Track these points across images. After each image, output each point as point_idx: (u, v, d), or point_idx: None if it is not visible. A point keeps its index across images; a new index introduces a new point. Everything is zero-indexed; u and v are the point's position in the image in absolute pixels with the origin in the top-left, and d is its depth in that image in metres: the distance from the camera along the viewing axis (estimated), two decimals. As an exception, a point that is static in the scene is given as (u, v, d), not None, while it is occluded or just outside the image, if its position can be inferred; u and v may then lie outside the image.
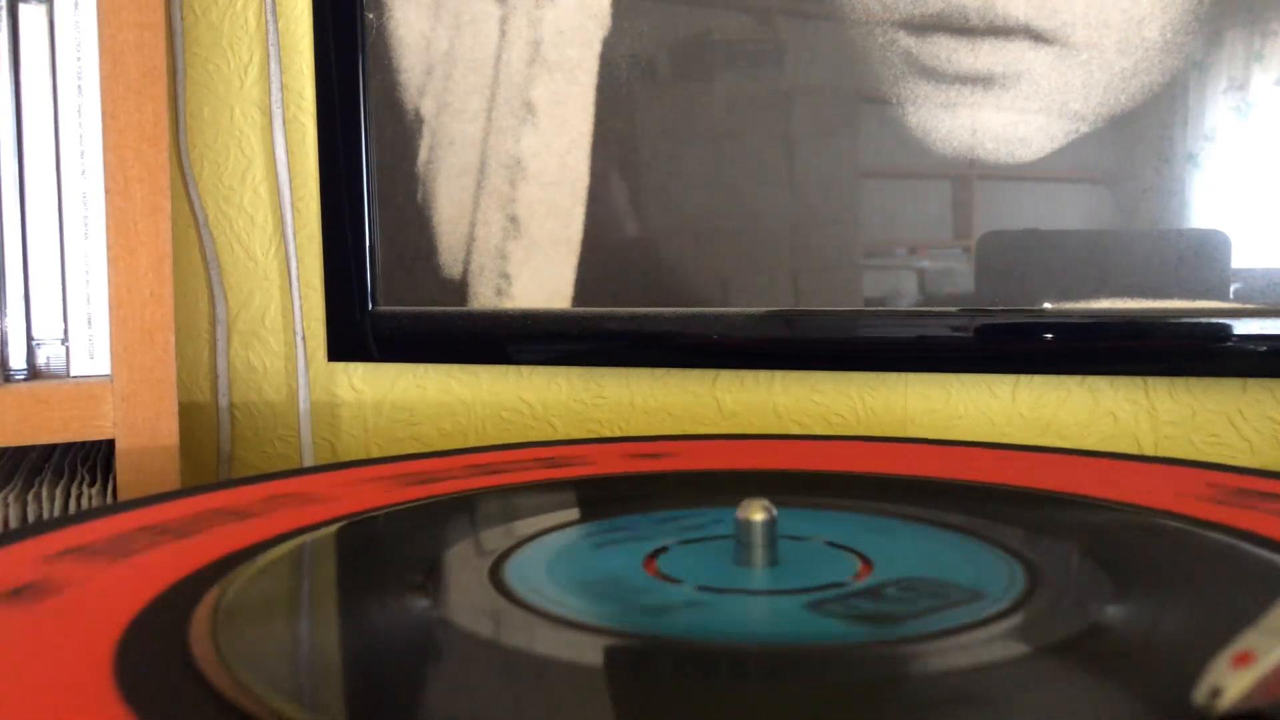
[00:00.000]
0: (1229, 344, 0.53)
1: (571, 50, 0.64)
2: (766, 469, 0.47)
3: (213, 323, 0.74)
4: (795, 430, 0.63)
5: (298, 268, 0.72)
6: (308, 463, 0.72)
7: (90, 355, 0.58)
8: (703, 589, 0.30)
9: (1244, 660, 0.20)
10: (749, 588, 0.30)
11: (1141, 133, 0.54)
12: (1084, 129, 0.55)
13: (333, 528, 0.38)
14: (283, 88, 0.71)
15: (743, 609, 0.28)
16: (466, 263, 0.67)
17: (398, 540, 0.36)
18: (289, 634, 0.27)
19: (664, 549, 0.34)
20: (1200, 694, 0.21)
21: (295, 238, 0.72)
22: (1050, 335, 0.56)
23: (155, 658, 0.25)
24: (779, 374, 0.63)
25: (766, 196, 0.60)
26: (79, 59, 0.57)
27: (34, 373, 0.57)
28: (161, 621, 0.28)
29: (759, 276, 0.61)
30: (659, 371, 0.66)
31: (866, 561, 0.33)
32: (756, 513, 0.33)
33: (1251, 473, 0.44)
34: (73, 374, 0.57)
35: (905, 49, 0.57)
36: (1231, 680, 0.20)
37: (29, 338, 0.57)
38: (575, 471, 0.47)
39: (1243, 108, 0.52)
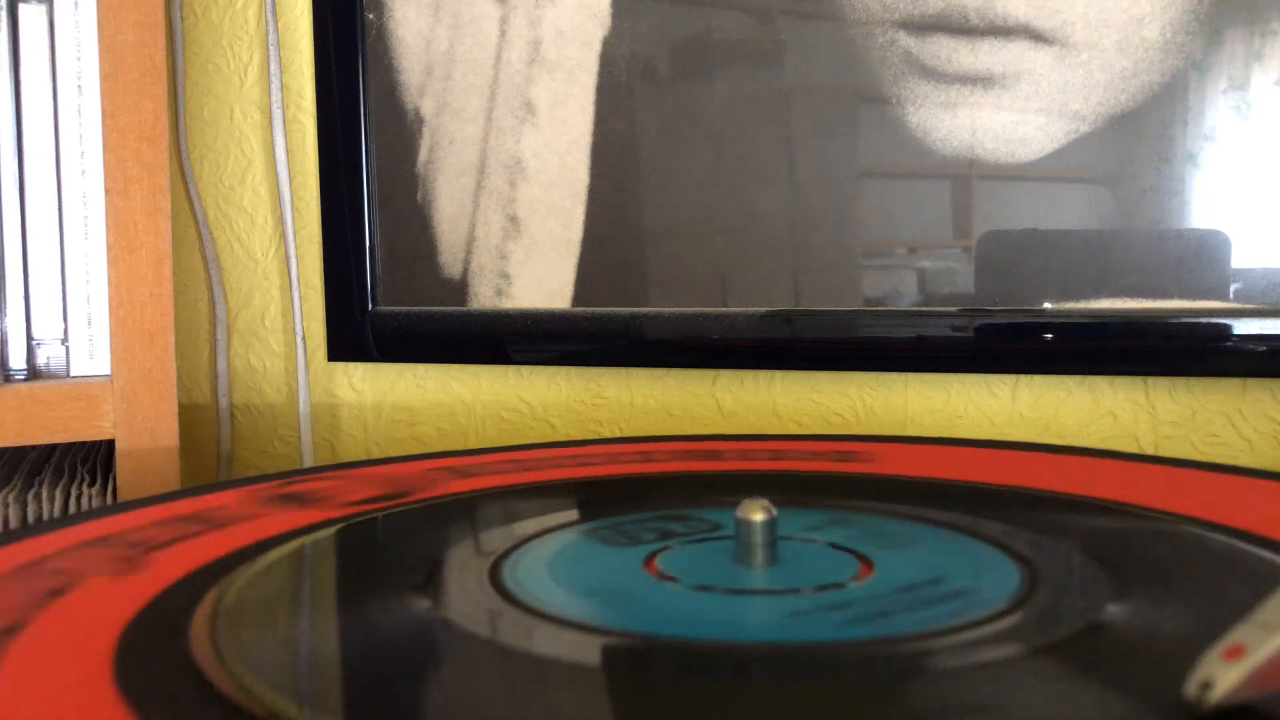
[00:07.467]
0: (1229, 344, 0.53)
1: (571, 50, 0.64)
2: (766, 469, 0.47)
3: (213, 323, 0.74)
4: (795, 430, 0.63)
5: (298, 268, 0.72)
6: (308, 463, 0.72)
7: (90, 355, 0.58)
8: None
9: (1235, 653, 0.20)
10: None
11: (1141, 133, 0.54)
12: (1084, 129, 0.55)
13: (333, 528, 0.38)
14: (283, 88, 0.71)
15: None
16: (466, 263, 0.67)
17: (398, 540, 0.36)
18: (289, 634, 0.27)
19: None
20: (1191, 687, 0.21)
21: (295, 238, 0.72)
22: (1050, 335, 0.56)
23: (155, 658, 0.25)
24: (779, 374, 0.63)
25: (766, 196, 0.60)
26: (79, 59, 0.57)
27: (34, 373, 0.57)
28: (161, 621, 0.28)
29: (759, 276, 0.61)
30: (659, 371, 0.66)
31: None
32: (756, 513, 0.33)
33: (1250, 473, 0.44)
34: (73, 374, 0.57)
35: (905, 49, 0.57)
36: (1222, 673, 0.20)
37: (29, 338, 0.57)
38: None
39: (1243, 108, 0.52)
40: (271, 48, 0.70)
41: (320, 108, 0.69)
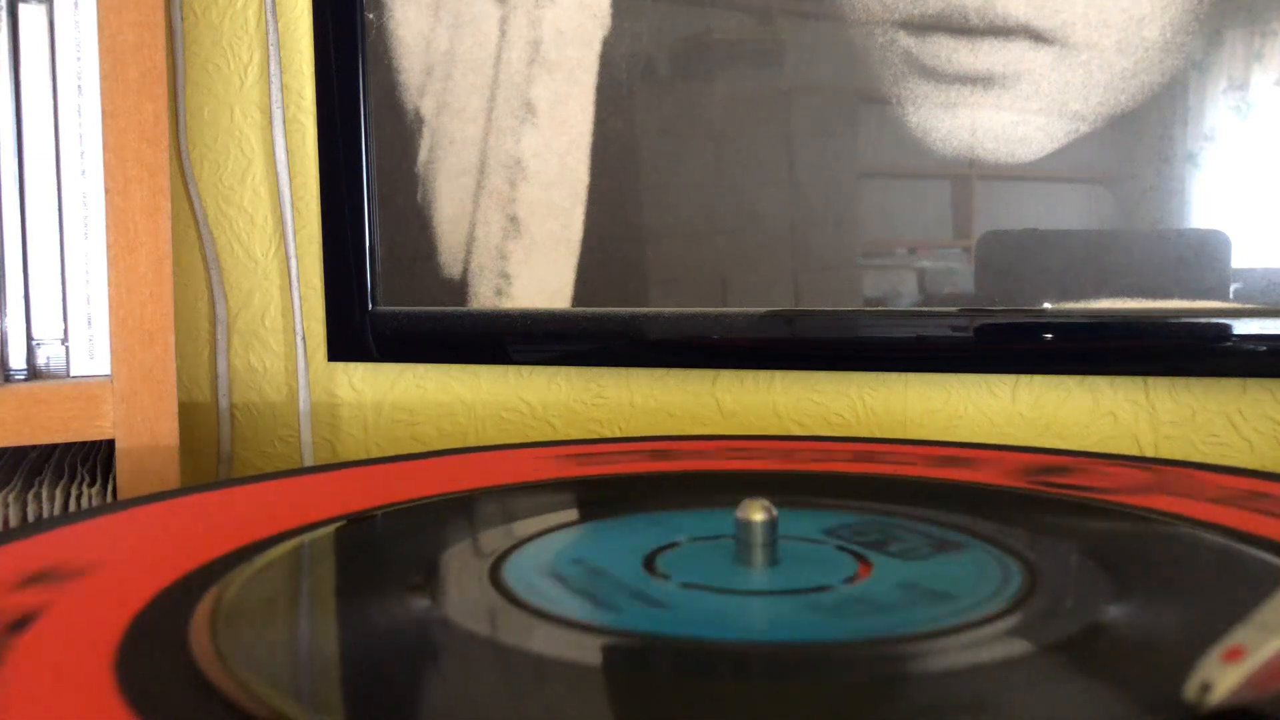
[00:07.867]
0: (1229, 344, 0.53)
1: (571, 50, 0.64)
2: (767, 469, 0.47)
3: (213, 323, 0.74)
4: (795, 430, 0.63)
5: (298, 268, 0.72)
6: (308, 463, 0.72)
7: (90, 355, 0.58)
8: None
9: (1234, 655, 0.20)
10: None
11: (1141, 133, 0.54)
12: (1084, 129, 0.55)
13: (332, 528, 0.38)
14: (283, 88, 0.71)
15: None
16: (466, 263, 0.67)
17: (398, 540, 0.36)
18: (289, 634, 0.27)
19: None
20: (1191, 688, 0.21)
21: (295, 238, 0.72)
22: (1050, 335, 0.56)
23: (155, 658, 0.25)
24: (779, 374, 0.63)
25: (766, 196, 0.60)
26: (79, 59, 0.57)
27: (34, 373, 0.57)
28: (161, 621, 0.28)
29: (759, 276, 0.61)
30: (659, 371, 0.66)
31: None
32: (756, 513, 0.33)
33: (1251, 474, 0.44)
34: (73, 374, 0.57)
35: (905, 49, 0.57)
36: (1222, 675, 0.20)
37: (29, 338, 0.57)
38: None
39: (1243, 108, 0.52)
40: (271, 48, 0.70)
41: (320, 108, 0.69)
